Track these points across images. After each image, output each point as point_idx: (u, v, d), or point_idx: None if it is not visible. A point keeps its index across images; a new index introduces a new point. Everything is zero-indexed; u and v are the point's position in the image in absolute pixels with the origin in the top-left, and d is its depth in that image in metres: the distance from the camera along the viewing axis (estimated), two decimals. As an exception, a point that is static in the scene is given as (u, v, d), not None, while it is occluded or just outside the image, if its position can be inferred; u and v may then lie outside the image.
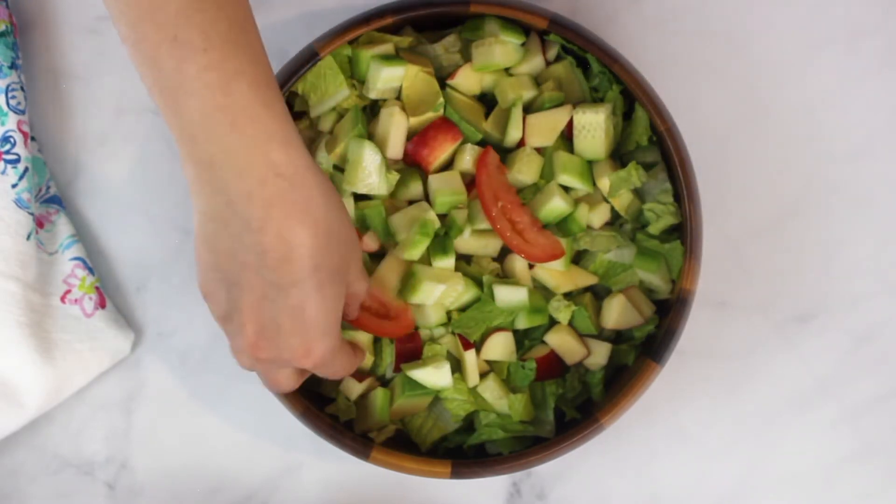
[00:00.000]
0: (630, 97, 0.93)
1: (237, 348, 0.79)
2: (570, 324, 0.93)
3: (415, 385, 0.91)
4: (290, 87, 0.91)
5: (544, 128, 0.92)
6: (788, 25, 1.00)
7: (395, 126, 0.92)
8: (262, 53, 0.76)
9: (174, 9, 0.73)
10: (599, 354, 0.93)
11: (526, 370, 0.92)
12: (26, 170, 0.95)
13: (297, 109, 0.94)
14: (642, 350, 0.93)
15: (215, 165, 0.72)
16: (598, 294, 0.95)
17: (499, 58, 0.92)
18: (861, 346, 1.00)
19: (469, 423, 0.94)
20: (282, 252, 0.73)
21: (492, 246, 0.93)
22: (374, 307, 0.91)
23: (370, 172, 0.91)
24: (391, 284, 0.92)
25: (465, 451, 0.94)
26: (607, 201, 0.93)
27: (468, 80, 0.93)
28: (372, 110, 0.94)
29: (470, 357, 0.92)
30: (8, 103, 0.95)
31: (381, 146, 0.91)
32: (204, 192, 0.74)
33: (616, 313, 0.92)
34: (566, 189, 0.92)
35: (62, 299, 0.97)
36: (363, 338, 0.92)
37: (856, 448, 0.99)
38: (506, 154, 0.93)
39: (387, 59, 0.92)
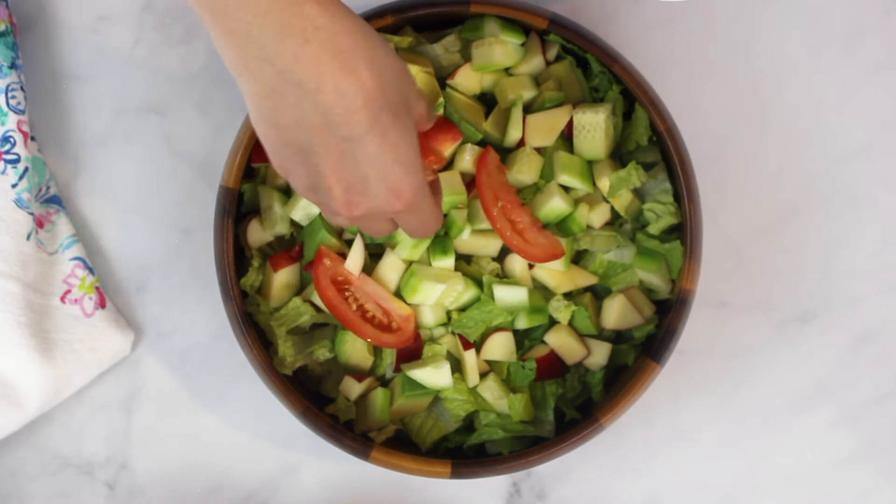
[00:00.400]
0: (630, 97, 0.93)
1: (331, 212, 0.79)
2: (570, 324, 0.93)
3: (415, 385, 0.91)
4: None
5: (544, 128, 0.92)
6: (788, 25, 1.00)
7: (395, 126, 0.92)
8: None
9: None
10: (599, 354, 0.93)
11: (526, 370, 0.92)
12: (26, 170, 0.95)
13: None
14: (642, 350, 0.93)
15: (252, 35, 0.71)
16: (598, 294, 0.95)
17: (499, 58, 0.92)
18: (861, 346, 1.00)
19: (469, 423, 0.94)
20: (345, 105, 0.72)
21: (492, 246, 0.93)
22: (376, 316, 0.91)
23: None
24: (391, 284, 0.92)
25: (465, 451, 0.94)
26: (607, 201, 0.93)
27: (468, 80, 0.93)
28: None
29: (470, 357, 0.92)
30: (8, 103, 0.95)
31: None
32: (250, 69, 0.73)
33: (616, 313, 0.92)
34: (566, 189, 0.92)
35: (62, 299, 0.97)
36: (363, 341, 0.92)
37: (856, 448, 0.99)
38: (506, 154, 0.93)
39: None
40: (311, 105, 0.72)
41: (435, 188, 0.83)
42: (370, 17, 0.91)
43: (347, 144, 0.74)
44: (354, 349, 0.92)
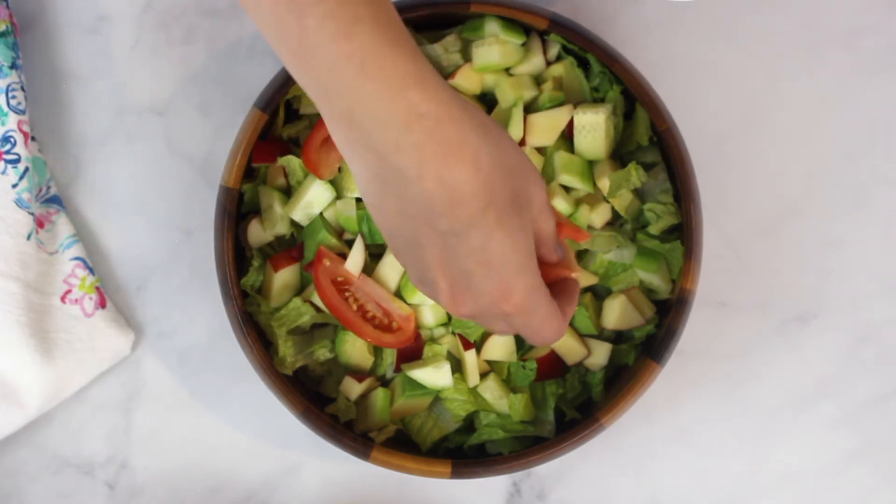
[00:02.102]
0: (630, 97, 0.93)
1: (444, 305, 0.75)
2: (571, 324, 0.93)
3: (415, 385, 0.91)
4: (289, 87, 0.91)
5: (545, 128, 0.92)
6: (788, 25, 1.00)
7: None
8: None
9: None
10: (599, 354, 0.93)
11: (526, 370, 0.92)
12: (26, 170, 0.95)
13: (303, 112, 0.94)
14: (642, 350, 0.93)
15: (355, 120, 0.68)
16: (599, 294, 0.95)
17: (499, 58, 0.92)
18: (861, 346, 1.00)
19: (469, 423, 0.94)
20: (447, 196, 0.68)
21: (492, 246, 0.92)
22: (377, 316, 0.91)
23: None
24: (391, 284, 0.92)
25: (465, 451, 0.94)
26: (608, 201, 0.93)
27: (468, 80, 0.93)
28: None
29: (470, 357, 0.92)
30: (8, 103, 0.95)
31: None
32: (356, 153, 0.70)
33: (617, 314, 0.92)
34: (567, 189, 0.92)
35: (62, 299, 0.97)
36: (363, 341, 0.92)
37: (856, 448, 1.00)
38: (506, 154, 0.93)
39: None
40: (413, 193, 0.69)
41: (568, 295, 0.77)
42: (370, 17, 0.91)
43: (451, 238, 0.70)
44: (354, 349, 0.92)
